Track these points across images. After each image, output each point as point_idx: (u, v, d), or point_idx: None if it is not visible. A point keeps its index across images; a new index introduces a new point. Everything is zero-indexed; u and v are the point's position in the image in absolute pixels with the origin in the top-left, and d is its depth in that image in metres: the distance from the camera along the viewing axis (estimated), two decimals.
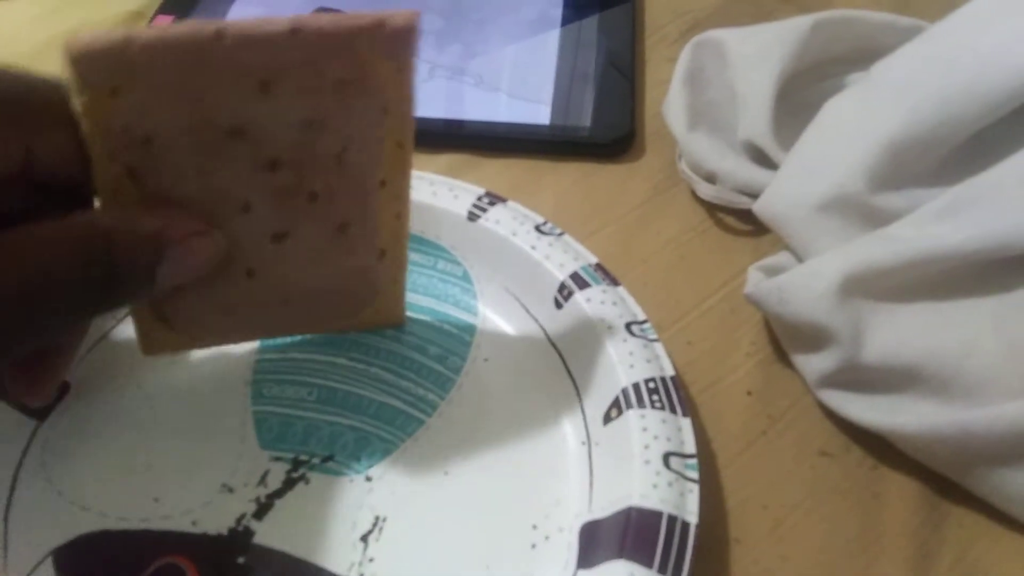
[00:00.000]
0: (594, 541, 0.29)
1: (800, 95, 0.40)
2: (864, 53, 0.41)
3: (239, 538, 0.30)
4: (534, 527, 0.30)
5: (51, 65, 0.49)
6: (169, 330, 0.31)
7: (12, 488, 0.31)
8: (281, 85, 0.26)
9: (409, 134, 0.29)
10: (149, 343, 0.32)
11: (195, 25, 0.24)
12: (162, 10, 0.51)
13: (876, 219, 0.33)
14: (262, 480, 0.31)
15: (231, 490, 0.31)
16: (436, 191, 0.38)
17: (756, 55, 0.40)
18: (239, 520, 0.31)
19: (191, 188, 0.27)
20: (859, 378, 0.32)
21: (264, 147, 0.27)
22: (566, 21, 0.51)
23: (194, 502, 0.31)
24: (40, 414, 0.33)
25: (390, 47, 0.27)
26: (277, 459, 0.32)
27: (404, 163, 0.30)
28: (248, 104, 0.26)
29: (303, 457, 0.32)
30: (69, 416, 0.33)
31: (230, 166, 0.27)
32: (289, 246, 0.30)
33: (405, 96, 0.28)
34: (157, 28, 0.24)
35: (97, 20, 0.52)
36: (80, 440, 0.32)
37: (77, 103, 0.25)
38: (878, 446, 0.32)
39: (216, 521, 0.31)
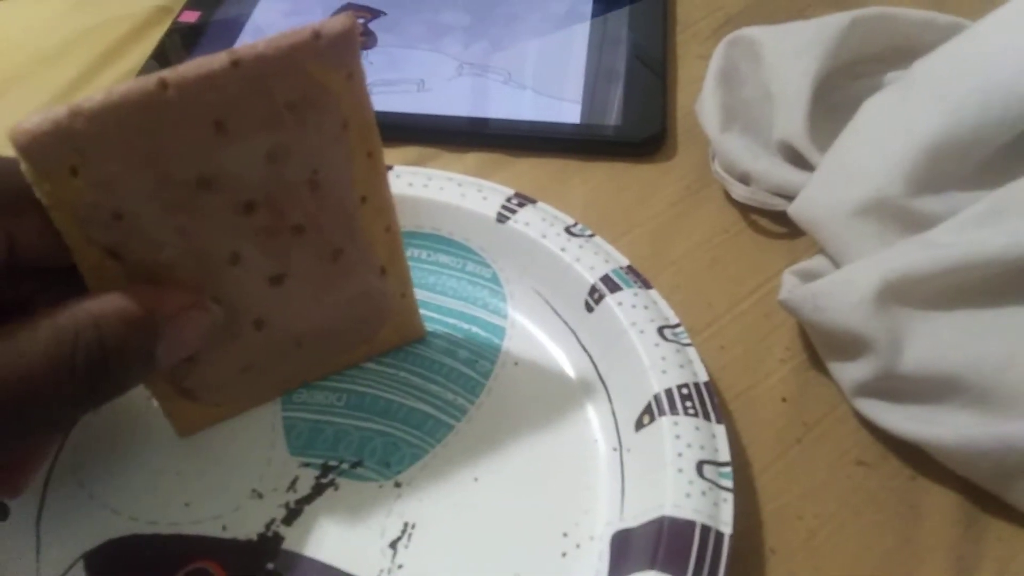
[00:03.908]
0: (626, 550, 0.29)
1: (836, 94, 0.40)
2: (902, 52, 0.40)
3: (268, 544, 0.30)
4: (565, 535, 0.30)
5: (78, 60, 0.50)
6: (195, 404, 0.31)
7: (44, 492, 0.31)
8: (235, 122, 0.25)
9: (376, 142, 0.29)
10: (181, 422, 0.32)
11: (138, 82, 0.24)
12: (189, 5, 0.51)
13: (914, 224, 0.32)
14: (291, 486, 0.31)
15: (261, 496, 0.31)
16: (464, 192, 0.38)
17: (791, 53, 0.40)
18: (268, 526, 0.31)
19: (175, 253, 0.27)
20: (896, 387, 0.31)
21: (235, 191, 0.27)
22: (595, 16, 0.50)
23: (224, 507, 0.31)
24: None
25: (333, 56, 0.26)
26: (306, 465, 0.32)
27: (379, 173, 0.29)
28: (208, 150, 0.25)
29: (332, 463, 0.32)
30: (101, 421, 0.33)
31: (207, 219, 0.27)
32: (289, 286, 0.29)
33: (362, 103, 0.27)
34: (100, 93, 0.24)
35: (123, 14, 0.52)
36: (111, 445, 0.33)
37: (40, 194, 0.24)
38: (916, 456, 0.32)
39: (246, 526, 0.31)
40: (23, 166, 0.24)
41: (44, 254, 0.26)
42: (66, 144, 0.23)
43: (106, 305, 0.25)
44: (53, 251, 0.25)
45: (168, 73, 0.24)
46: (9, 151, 0.24)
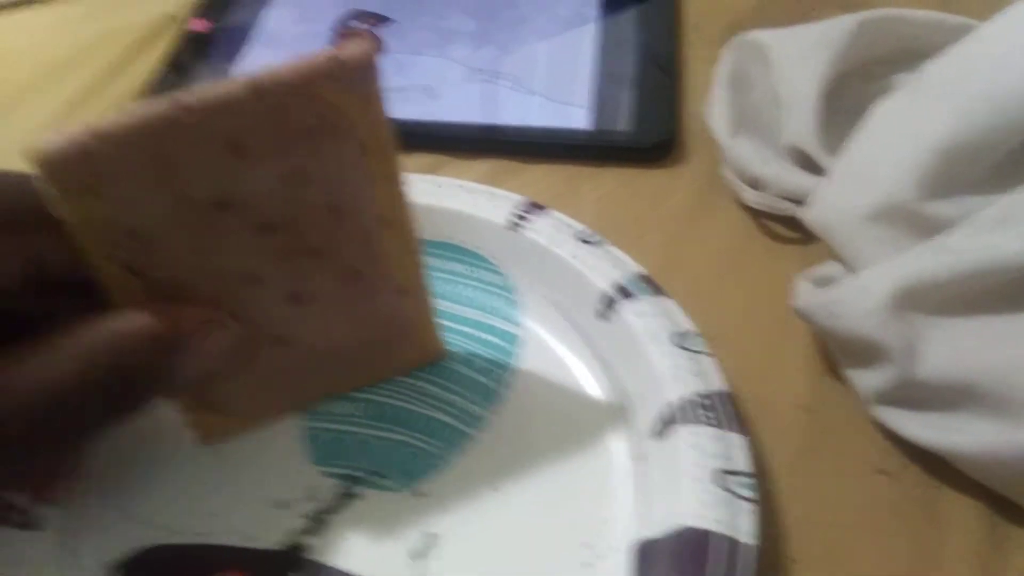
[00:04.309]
0: (647, 561, 0.29)
1: (846, 97, 0.40)
2: (911, 54, 0.40)
3: (293, 554, 0.30)
4: (585, 545, 0.30)
5: (88, 69, 0.50)
6: (219, 416, 0.32)
7: (73, 502, 0.31)
8: (252, 145, 0.25)
9: (396, 166, 0.29)
10: (204, 433, 0.32)
11: (154, 104, 0.24)
12: (197, 13, 0.51)
13: (928, 228, 0.33)
14: (315, 496, 0.32)
15: (285, 506, 0.31)
16: (476, 200, 0.38)
17: (799, 57, 0.40)
18: (293, 536, 0.31)
19: (193, 271, 0.27)
20: (914, 395, 0.31)
21: (252, 213, 0.27)
22: (601, 18, 0.50)
23: (249, 518, 0.31)
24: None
25: (352, 82, 0.26)
26: (329, 475, 0.32)
27: (398, 196, 0.29)
28: (225, 172, 0.26)
29: (355, 473, 0.32)
30: (127, 430, 0.33)
31: (225, 240, 0.27)
32: (309, 306, 0.30)
33: (380, 128, 0.27)
34: (118, 115, 0.24)
35: (132, 23, 0.52)
36: (138, 455, 0.33)
37: (60, 212, 0.24)
38: (937, 465, 0.32)
39: (271, 536, 0.31)
40: (43, 185, 0.24)
41: (67, 269, 0.26)
42: (84, 164, 0.24)
43: (125, 323, 0.25)
44: (75, 266, 0.26)
45: (186, 96, 0.24)
46: (20, 160, 0.24)
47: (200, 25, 0.51)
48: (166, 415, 0.33)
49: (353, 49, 0.26)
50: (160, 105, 0.24)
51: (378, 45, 0.26)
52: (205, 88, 0.24)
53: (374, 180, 0.28)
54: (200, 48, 0.49)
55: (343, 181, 0.28)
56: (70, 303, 0.27)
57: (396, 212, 0.30)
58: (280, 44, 0.50)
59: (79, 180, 0.24)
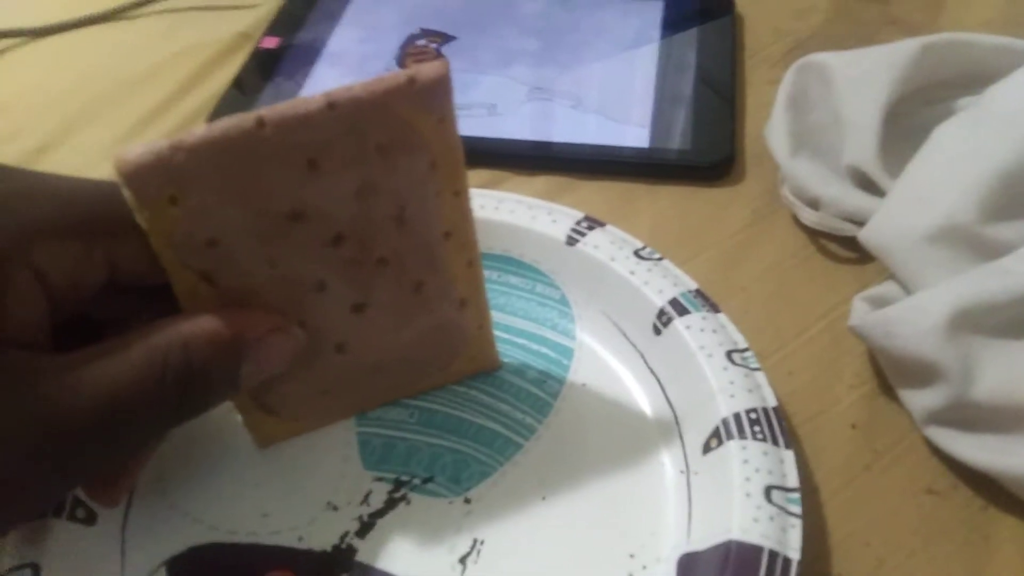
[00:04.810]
0: (692, 574, 0.29)
1: (907, 119, 0.40)
2: (975, 77, 0.39)
3: (342, 555, 0.31)
4: (631, 556, 0.30)
5: (164, 84, 0.52)
6: (276, 419, 0.33)
7: (129, 499, 0.33)
8: (327, 160, 0.26)
9: (464, 182, 0.29)
10: (261, 434, 0.33)
11: (235, 119, 0.25)
12: (269, 31, 0.53)
13: (987, 251, 0.32)
14: (365, 499, 0.32)
15: (335, 508, 0.32)
16: (535, 215, 0.39)
17: (862, 79, 0.40)
18: (343, 538, 0.31)
19: (264, 279, 0.28)
20: (968, 416, 0.31)
21: (324, 224, 0.27)
22: (662, 39, 0.50)
23: (300, 519, 0.32)
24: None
25: (426, 101, 0.27)
26: (379, 479, 0.33)
27: (464, 211, 0.30)
28: (300, 185, 0.26)
29: (404, 478, 0.33)
30: (183, 431, 0.34)
31: (296, 250, 0.28)
32: (370, 314, 0.30)
33: (452, 146, 0.28)
34: (201, 129, 0.25)
35: (208, 40, 0.54)
36: (193, 455, 0.34)
37: (139, 219, 0.25)
38: (988, 486, 0.31)
39: (321, 538, 0.31)
40: (125, 193, 0.25)
41: (144, 274, 0.27)
42: (166, 176, 0.25)
43: (195, 327, 0.26)
44: (152, 272, 0.27)
45: (266, 112, 0.25)
46: (101, 170, 0.25)
47: (271, 43, 0.52)
48: (222, 416, 0.34)
49: (429, 71, 0.26)
50: (241, 120, 0.25)
51: (447, 65, 0.27)
52: (284, 105, 0.25)
53: (441, 195, 0.29)
54: (268, 65, 0.51)
55: (411, 195, 0.28)
56: (145, 309, 0.28)
57: (460, 226, 0.30)
58: (346, 63, 0.51)
59: (159, 190, 0.25)
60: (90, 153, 0.47)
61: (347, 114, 0.26)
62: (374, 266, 0.29)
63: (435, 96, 0.27)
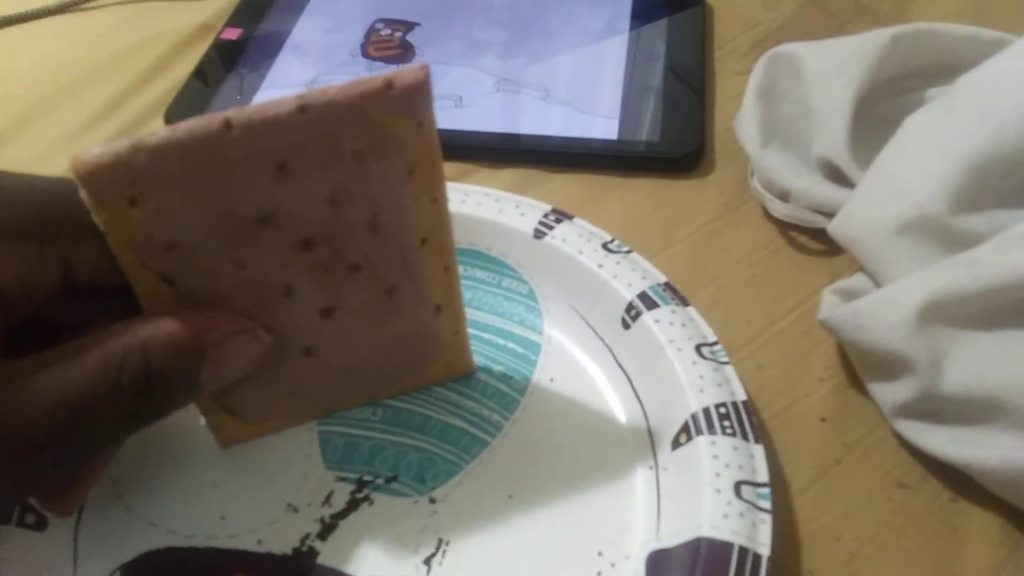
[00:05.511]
0: (662, 571, 0.28)
1: (877, 110, 0.39)
2: (945, 68, 0.39)
3: (303, 558, 0.30)
4: (600, 554, 0.30)
5: (123, 76, 0.51)
6: (239, 420, 0.32)
7: (83, 503, 0.32)
8: (298, 164, 0.25)
9: (442, 189, 0.28)
10: (224, 435, 0.32)
11: (201, 121, 0.24)
12: (231, 22, 0.52)
13: (957, 242, 0.32)
14: (327, 500, 0.31)
15: (296, 510, 0.31)
16: (502, 208, 0.38)
17: (833, 70, 0.39)
18: (303, 540, 0.31)
19: (229, 282, 0.27)
20: (938, 409, 0.30)
21: (294, 229, 0.27)
22: (632, 30, 0.50)
23: (260, 521, 0.31)
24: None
25: (404, 105, 0.26)
26: (342, 479, 0.32)
27: (442, 217, 0.29)
28: (269, 189, 0.25)
29: (367, 478, 0.32)
30: (140, 433, 0.33)
31: (263, 254, 0.27)
32: (340, 319, 0.29)
33: (430, 151, 0.27)
34: (164, 130, 0.24)
35: (168, 31, 0.52)
36: (149, 457, 0.33)
37: (97, 221, 0.24)
38: (957, 479, 0.31)
39: (281, 541, 0.31)
40: (82, 194, 0.24)
41: (102, 276, 0.26)
42: (126, 177, 0.24)
43: (154, 329, 0.25)
44: (111, 273, 0.26)
45: (233, 113, 0.24)
46: (58, 161, 0.24)
47: (233, 34, 0.51)
48: (181, 415, 0.33)
49: (407, 75, 0.25)
50: (207, 122, 0.24)
51: (427, 69, 0.26)
52: (254, 107, 0.24)
53: (418, 200, 0.28)
54: (230, 57, 0.50)
55: (387, 201, 0.27)
56: (104, 311, 0.27)
57: (437, 232, 0.29)
58: (310, 53, 0.50)
59: (119, 192, 0.24)
60: (47, 145, 0.46)
61: (320, 118, 0.25)
62: (346, 271, 0.28)
63: (414, 100, 0.26)
